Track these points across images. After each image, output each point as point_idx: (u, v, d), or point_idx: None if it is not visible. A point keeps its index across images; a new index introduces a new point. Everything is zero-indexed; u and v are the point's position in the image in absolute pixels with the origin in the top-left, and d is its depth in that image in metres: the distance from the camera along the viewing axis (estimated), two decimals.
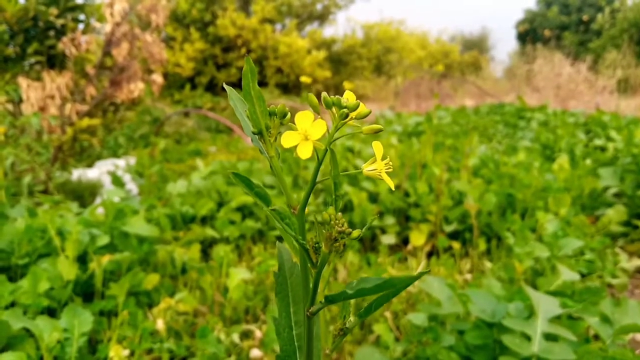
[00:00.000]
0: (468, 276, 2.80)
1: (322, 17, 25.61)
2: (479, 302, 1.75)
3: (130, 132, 8.23)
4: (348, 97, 0.59)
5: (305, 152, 0.56)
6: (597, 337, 2.09)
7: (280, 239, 3.45)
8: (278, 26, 23.77)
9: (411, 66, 23.80)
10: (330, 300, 0.56)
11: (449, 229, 3.23)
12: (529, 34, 33.04)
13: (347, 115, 0.57)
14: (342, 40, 24.21)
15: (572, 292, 2.14)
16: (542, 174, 3.97)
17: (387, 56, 24.22)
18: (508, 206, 3.48)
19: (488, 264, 2.89)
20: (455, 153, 4.63)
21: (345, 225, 0.56)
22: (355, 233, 0.57)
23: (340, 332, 0.63)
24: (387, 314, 2.25)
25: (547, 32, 30.75)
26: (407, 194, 3.56)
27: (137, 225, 2.50)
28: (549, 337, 1.61)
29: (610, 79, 14.48)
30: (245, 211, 3.61)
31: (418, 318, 1.82)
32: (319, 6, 25.05)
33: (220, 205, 3.65)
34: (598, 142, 5.74)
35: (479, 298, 1.77)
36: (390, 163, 0.62)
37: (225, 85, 0.62)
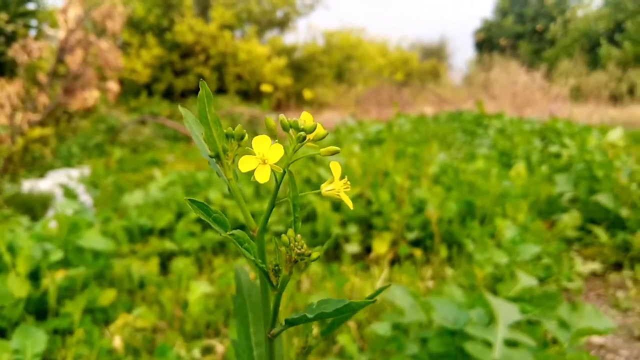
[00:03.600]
0: (430, 283, 2.83)
1: (283, 24, 25.62)
2: (442, 309, 1.76)
3: (85, 141, 7.99)
4: (305, 119, 0.58)
5: (262, 176, 0.55)
6: (555, 341, 2.14)
7: None
8: (238, 33, 23.63)
9: (372, 74, 24.07)
10: (290, 322, 0.54)
11: (410, 236, 3.26)
12: (486, 43, 33.99)
13: (304, 138, 0.56)
14: (303, 48, 24.27)
15: (531, 298, 2.19)
16: (500, 181, 4.06)
17: (348, 64, 24.43)
18: (468, 213, 3.54)
19: (449, 271, 2.92)
20: (415, 161, 4.69)
21: (305, 247, 0.55)
22: (315, 254, 0.56)
23: (303, 350, 0.61)
24: (351, 324, 2.24)
25: (503, 41, 31.70)
26: (369, 203, 3.58)
27: (92, 239, 2.41)
28: (509, 343, 1.63)
29: (563, 87, 15.02)
30: (205, 222, 3.54)
31: (382, 327, 1.82)
32: (279, 13, 25.07)
33: (179, 216, 3.57)
34: (553, 148, 5.92)
35: (442, 306, 1.78)
36: (348, 183, 0.62)
37: (180, 108, 0.60)
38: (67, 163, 6.86)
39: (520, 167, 4.49)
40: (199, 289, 2.36)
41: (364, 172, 3.86)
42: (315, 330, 0.62)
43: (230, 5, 22.09)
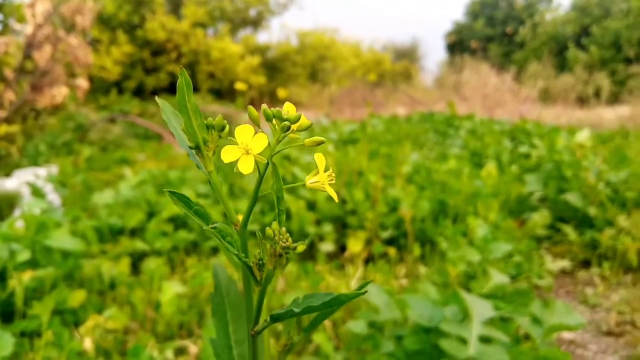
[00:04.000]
0: (404, 281, 2.84)
1: (256, 23, 25.50)
2: (417, 307, 1.77)
3: (52, 139, 7.79)
4: (288, 109, 0.56)
5: (246, 166, 0.53)
6: (527, 336, 2.17)
7: (216, 250, 3.37)
8: (210, 31, 23.41)
9: (345, 74, 24.15)
10: (275, 318, 0.53)
11: (384, 235, 3.27)
12: (457, 45, 34.46)
13: (288, 128, 0.55)
14: (277, 47, 24.20)
15: (503, 295, 2.22)
16: (472, 181, 4.11)
17: (322, 64, 24.45)
18: (440, 212, 3.58)
19: (422, 269, 2.95)
20: (389, 161, 4.71)
21: (290, 240, 0.54)
22: (300, 248, 0.55)
23: (285, 348, 0.60)
24: (327, 323, 2.23)
25: (474, 44, 32.19)
26: (344, 202, 3.58)
27: (61, 239, 2.35)
28: (484, 340, 1.65)
29: (532, 89, 15.33)
30: (177, 222, 3.50)
31: (357, 326, 1.82)
32: (252, 12, 24.93)
33: (150, 215, 3.51)
34: (522, 149, 6.03)
35: (417, 303, 1.79)
36: (333, 175, 0.60)
37: (157, 99, 0.58)
38: (35, 162, 6.68)
39: (491, 167, 4.56)
40: (172, 290, 2.32)
41: (339, 172, 3.86)
42: (297, 333, 0.61)
43: (202, 2, 21.88)
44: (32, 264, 2.29)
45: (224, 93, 20.11)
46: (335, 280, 2.70)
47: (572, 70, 20.25)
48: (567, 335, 2.33)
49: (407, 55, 36.46)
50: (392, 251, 3.04)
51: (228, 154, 0.53)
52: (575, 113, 14.52)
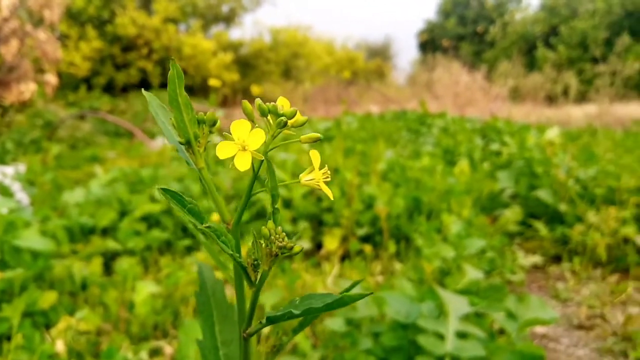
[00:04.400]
0: (379, 278, 2.86)
1: (229, 19, 25.28)
2: (394, 304, 1.78)
3: (20, 136, 7.58)
4: (283, 104, 0.55)
5: (243, 163, 0.51)
6: (501, 331, 2.21)
7: (190, 249, 3.33)
8: (182, 27, 23.11)
9: (319, 72, 24.15)
10: (272, 320, 0.52)
11: (360, 232, 3.28)
12: (429, 44, 34.81)
13: (285, 124, 0.53)
14: (250, 44, 24.04)
15: (477, 290, 2.25)
16: (445, 178, 4.16)
17: (295, 61, 24.39)
18: (415, 209, 3.60)
19: (398, 266, 2.97)
20: (364, 158, 4.73)
21: (286, 239, 0.53)
22: (297, 247, 0.54)
23: (274, 349, 0.59)
24: None
25: (445, 42, 32.56)
26: (319, 199, 3.58)
27: (30, 239, 2.28)
28: (460, 335, 1.66)
29: (502, 88, 15.59)
30: (150, 220, 3.44)
31: (335, 323, 1.82)
32: (224, 8, 24.71)
33: (122, 214, 3.45)
34: (494, 146, 6.12)
35: (394, 300, 1.80)
36: (328, 172, 0.59)
37: (144, 92, 0.56)
38: (1, 160, 6.50)
39: (463, 165, 4.61)
40: (146, 290, 2.28)
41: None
42: (287, 334, 0.60)
43: None
44: (1, 265, 2.22)
45: (196, 90, 19.88)
46: (311, 277, 2.69)
47: (541, 69, 20.67)
48: (539, 329, 2.37)
49: (380, 54, 36.68)
50: (367, 248, 3.05)
51: (224, 150, 0.51)
52: (544, 111, 14.84)
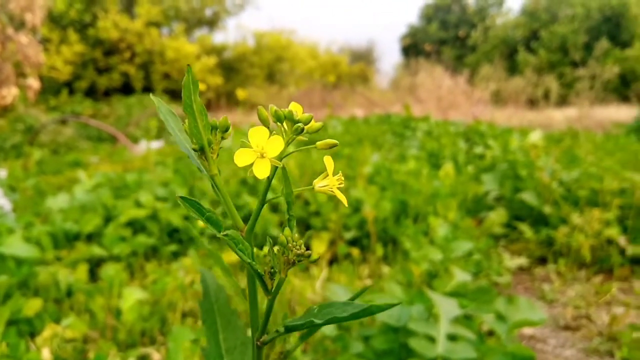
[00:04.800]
0: (367, 281, 2.86)
1: (212, 23, 25.19)
2: None
3: (1, 141, 7.47)
4: (296, 110, 0.55)
5: (262, 171, 0.50)
6: (490, 333, 2.22)
7: (176, 254, 3.29)
8: (165, 30, 22.97)
9: (303, 75, 24.17)
10: (290, 329, 0.51)
11: (348, 236, 3.28)
12: (412, 48, 35.05)
13: (302, 130, 0.53)
14: (233, 48, 23.98)
15: (465, 292, 2.26)
16: (431, 181, 4.18)
17: (279, 65, 24.38)
18: (402, 212, 3.62)
19: (385, 269, 2.97)
20: (350, 162, 4.74)
21: (303, 247, 0.52)
22: (315, 255, 0.53)
23: (281, 356, 0.58)
24: None
25: (428, 47, 32.82)
26: (307, 203, 3.57)
27: (14, 245, 2.25)
28: (450, 337, 1.67)
29: (484, 91, 15.76)
30: (136, 226, 3.40)
31: (327, 327, 1.81)
32: (208, 11, 24.63)
33: (107, 220, 3.41)
34: (477, 150, 6.18)
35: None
36: (342, 178, 0.59)
37: (152, 97, 0.55)
38: None
39: (448, 168, 4.65)
40: (133, 296, 2.26)
41: (302, 173, 3.86)
42: (293, 340, 0.59)
43: (157, 1, 21.44)
44: None
45: (179, 93, 19.73)
46: (300, 282, 2.69)
47: (522, 73, 20.94)
48: (527, 330, 2.40)
49: (363, 58, 36.82)
50: (355, 252, 3.06)
51: (242, 157, 0.50)
52: (526, 114, 15.03)
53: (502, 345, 1.55)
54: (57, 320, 2.13)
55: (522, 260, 3.27)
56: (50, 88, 16.82)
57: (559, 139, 7.40)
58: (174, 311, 2.37)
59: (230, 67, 23.08)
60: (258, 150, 0.51)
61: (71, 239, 3.11)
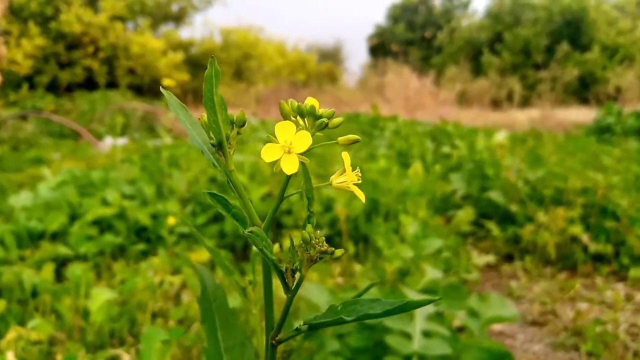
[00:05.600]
0: (339, 279, 2.87)
1: (178, 19, 24.82)
2: None
3: None
4: (314, 104, 0.54)
5: (290, 166, 0.50)
6: (460, 329, 2.26)
7: (145, 253, 3.23)
8: (130, 25, 22.50)
9: (271, 73, 24.06)
10: (314, 326, 0.50)
11: (320, 234, 3.28)
12: (379, 48, 35.31)
13: (326, 125, 0.52)
14: (200, 44, 23.67)
15: (437, 289, 2.30)
16: (400, 180, 4.23)
17: (247, 62, 24.21)
18: (373, 210, 3.64)
19: (357, 267, 2.99)
20: (321, 160, 4.74)
21: (325, 244, 0.52)
22: (339, 252, 0.53)
23: (284, 354, 0.58)
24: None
25: (395, 47, 33.12)
26: None
27: None
28: (425, 334, 1.69)
29: (450, 92, 16.02)
30: (103, 225, 3.33)
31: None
32: (174, 7, 24.25)
33: (73, 218, 3.32)
34: (445, 149, 6.27)
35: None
36: (360, 174, 0.59)
37: (163, 90, 0.54)
38: None
39: (417, 167, 4.71)
40: (102, 296, 2.20)
41: (273, 172, 3.83)
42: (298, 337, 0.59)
43: None
44: None
45: (145, 89, 19.38)
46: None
47: (487, 75, 21.37)
48: (496, 327, 2.45)
49: (331, 57, 36.87)
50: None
51: (269, 153, 0.50)
52: (490, 115, 15.34)
53: (477, 341, 1.58)
54: (21, 322, 2.06)
55: (489, 258, 3.33)
56: (10, 82, 16.25)
57: (523, 139, 7.58)
58: (143, 311, 2.33)
59: (197, 64, 22.78)
60: (285, 145, 0.51)
61: (35, 238, 3.01)
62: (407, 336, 1.63)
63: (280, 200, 0.55)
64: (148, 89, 19.37)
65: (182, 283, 2.70)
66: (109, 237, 3.06)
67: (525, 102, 18.33)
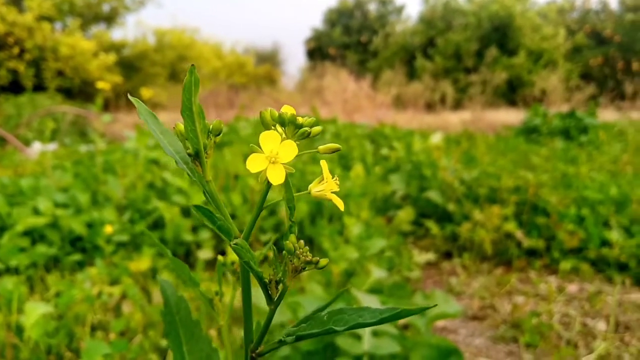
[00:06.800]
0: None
1: (110, 19, 23.95)
2: (309, 307, 1.79)
3: None
4: (289, 111, 0.54)
5: (277, 176, 0.49)
6: (405, 326, 2.31)
7: (81, 264, 3.10)
8: (58, 25, 21.49)
9: (208, 76, 23.67)
10: (301, 337, 0.50)
11: (264, 238, 3.27)
12: (317, 52, 35.57)
13: (308, 134, 0.52)
14: (133, 45, 22.96)
15: (382, 288, 2.35)
16: (343, 182, 4.28)
17: (182, 64, 23.70)
18: (317, 213, 3.67)
19: None
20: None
21: (309, 254, 0.51)
22: (324, 261, 0.52)
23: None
24: (212, 332, 2.17)
25: (332, 51, 33.45)
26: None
27: None
28: (374, 333, 1.72)
29: (387, 95, 16.35)
30: (34, 235, 3.16)
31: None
32: (105, 7, 23.38)
33: (2, 230, 3.14)
34: (383, 151, 6.40)
35: (308, 304, 1.82)
36: (338, 181, 0.59)
37: (131, 98, 0.51)
38: None
39: (358, 169, 4.78)
40: (37, 311, 2.09)
41: (215, 175, 3.78)
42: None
43: None
44: None
45: (75, 93, 18.55)
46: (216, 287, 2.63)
47: (421, 79, 21.99)
48: (439, 323, 2.52)
49: (269, 59, 36.76)
50: (271, 254, 3.05)
51: (254, 163, 0.48)
52: (424, 118, 15.79)
53: (424, 338, 1.62)
54: None
55: (430, 256, 3.43)
56: None
57: (457, 140, 7.86)
58: (82, 325, 2.24)
59: (130, 66, 22.08)
60: (271, 155, 0.50)
61: None
62: (357, 337, 1.65)
63: (259, 210, 0.55)
64: (79, 92, 18.56)
65: (122, 293, 2.61)
66: (41, 248, 2.92)
67: (457, 105, 19.01)
